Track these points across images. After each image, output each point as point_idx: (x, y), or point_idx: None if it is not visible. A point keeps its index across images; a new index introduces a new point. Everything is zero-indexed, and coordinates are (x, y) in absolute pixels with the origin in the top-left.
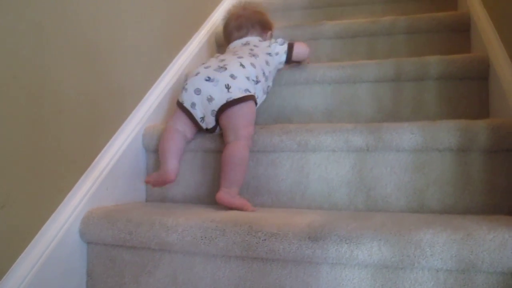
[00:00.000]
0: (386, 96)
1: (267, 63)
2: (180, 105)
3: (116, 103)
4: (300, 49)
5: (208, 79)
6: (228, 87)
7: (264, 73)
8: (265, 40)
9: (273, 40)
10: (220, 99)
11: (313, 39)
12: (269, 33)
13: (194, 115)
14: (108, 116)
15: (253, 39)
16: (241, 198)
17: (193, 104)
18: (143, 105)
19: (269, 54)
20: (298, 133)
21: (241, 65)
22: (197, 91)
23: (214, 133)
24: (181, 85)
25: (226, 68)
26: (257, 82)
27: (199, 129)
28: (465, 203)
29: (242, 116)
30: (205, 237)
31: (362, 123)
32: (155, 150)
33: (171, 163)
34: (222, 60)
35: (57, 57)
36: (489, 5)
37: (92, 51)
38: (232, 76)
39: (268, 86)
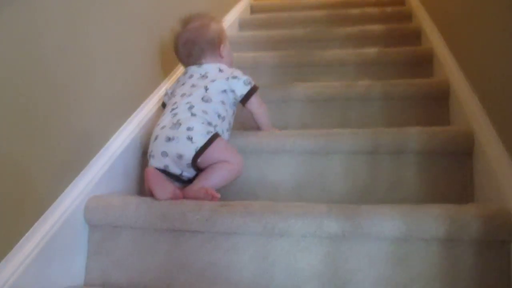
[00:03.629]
0: (361, 170)
1: (222, 103)
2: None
3: (55, 172)
4: (260, 111)
5: (169, 139)
6: (190, 138)
7: (219, 115)
8: (221, 56)
9: (235, 72)
10: (189, 152)
11: (283, 102)
12: (221, 47)
13: (173, 173)
14: (42, 188)
15: (211, 69)
16: (203, 188)
17: (166, 166)
18: (88, 172)
19: (224, 91)
20: (264, 215)
21: (192, 114)
22: (164, 154)
23: None
24: (135, 147)
25: (180, 124)
26: (214, 126)
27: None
28: None
29: (224, 151)
30: None
31: (335, 200)
32: (99, 224)
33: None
34: (175, 115)
35: None
36: (471, 75)
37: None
38: (189, 129)
39: (230, 123)
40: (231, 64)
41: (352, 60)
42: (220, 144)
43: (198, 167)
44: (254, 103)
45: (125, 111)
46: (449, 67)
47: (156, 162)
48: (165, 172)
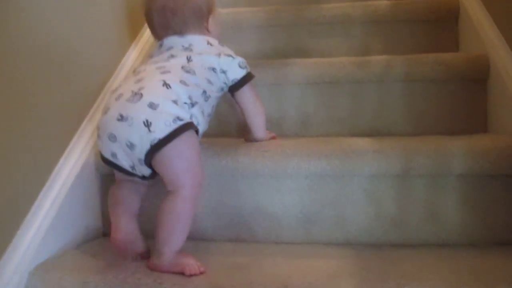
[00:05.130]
0: (387, 198)
1: (209, 81)
2: (102, 157)
3: None
4: (254, 108)
5: (121, 118)
6: (147, 124)
7: (205, 92)
8: (208, 30)
9: (228, 51)
10: (142, 144)
11: (276, 85)
12: (210, 19)
13: (122, 166)
14: None
15: (197, 41)
16: (180, 257)
17: (113, 154)
18: (27, 229)
19: (213, 69)
20: None
21: (165, 84)
22: (112, 138)
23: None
24: (91, 169)
25: (142, 94)
26: (192, 104)
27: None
28: None
29: (179, 158)
30: None
31: (353, 237)
32: None
33: (121, 223)
34: (140, 80)
35: None
36: None
37: None
38: (152, 105)
39: (213, 107)
40: (218, 39)
41: (359, 17)
42: (185, 145)
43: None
44: (247, 94)
45: (76, 116)
46: (488, 37)
47: (102, 146)
48: (111, 163)
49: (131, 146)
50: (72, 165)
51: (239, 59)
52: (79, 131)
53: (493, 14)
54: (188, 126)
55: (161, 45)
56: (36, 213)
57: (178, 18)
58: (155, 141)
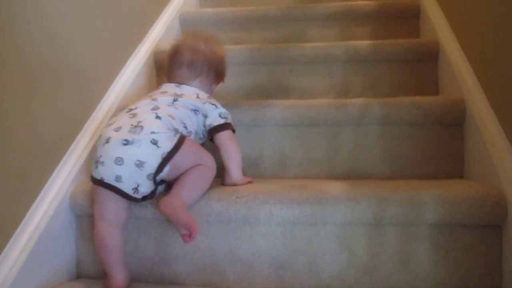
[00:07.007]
0: (359, 245)
1: (189, 118)
2: (100, 182)
3: None
4: (231, 144)
5: (127, 142)
6: (155, 142)
7: (185, 126)
8: (212, 91)
9: (214, 100)
10: (153, 160)
11: (255, 126)
12: (219, 84)
13: (124, 190)
14: None
15: (188, 91)
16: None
17: (118, 178)
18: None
19: (195, 111)
20: None
21: (157, 117)
22: (119, 161)
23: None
24: (66, 210)
25: (142, 127)
26: (177, 134)
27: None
28: None
29: (192, 153)
30: None
31: (326, 284)
32: None
33: (118, 272)
34: (134, 116)
35: None
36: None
37: None
38: (153, 133)
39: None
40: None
41: (340, 56)
42: (190, 146)
43: (160, 179)
44: (222, 140)
45: (54, 155)
46: (465, 81)
47: (105, 171)
48: (113, 188)
49: (140, 164)
50: (46, 207)
51: (222, 110)
52: (56, 171)
53: (470, 59)
54: (185, 136)
55: (158, 88)
56: (4, 261)
57: (207, 65)
58: (165, 154)
